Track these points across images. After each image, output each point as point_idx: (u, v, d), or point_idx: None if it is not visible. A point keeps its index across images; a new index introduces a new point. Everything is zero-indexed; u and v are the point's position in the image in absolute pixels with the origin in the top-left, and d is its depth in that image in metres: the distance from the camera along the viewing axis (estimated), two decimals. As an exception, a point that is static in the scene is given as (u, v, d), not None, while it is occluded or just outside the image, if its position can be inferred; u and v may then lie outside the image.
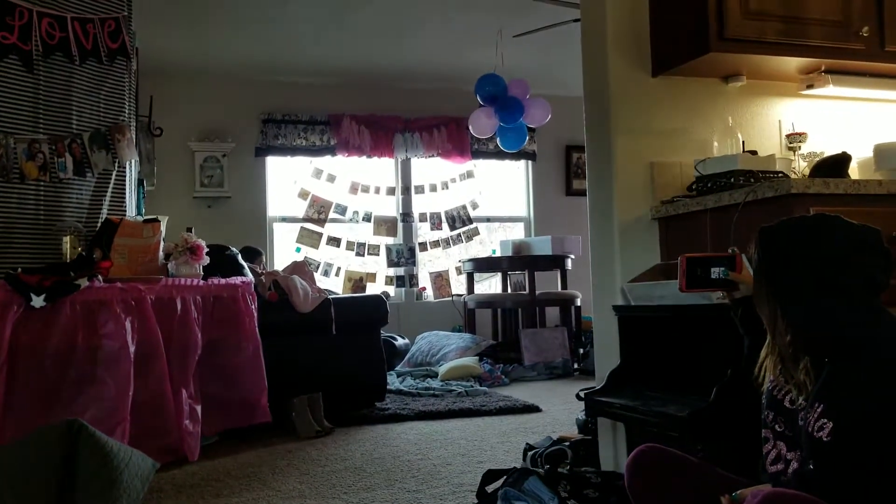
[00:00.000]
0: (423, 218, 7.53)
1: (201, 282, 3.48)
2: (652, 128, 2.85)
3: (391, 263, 7.39)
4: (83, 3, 3.71)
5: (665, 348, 2.43)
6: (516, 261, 6.81)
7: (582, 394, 2.56)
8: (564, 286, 6.86)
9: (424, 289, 7.49)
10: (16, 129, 3.47)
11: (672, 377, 2.35)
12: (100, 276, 3.11)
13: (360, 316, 4.39)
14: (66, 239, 3.40)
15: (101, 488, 2.31)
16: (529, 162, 7.80)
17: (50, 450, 2.32)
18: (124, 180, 3.86)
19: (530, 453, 2.95)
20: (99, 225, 3.60)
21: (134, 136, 3.98)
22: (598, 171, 2.93)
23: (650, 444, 1.74)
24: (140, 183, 4.55)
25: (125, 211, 3.84)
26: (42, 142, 3.53)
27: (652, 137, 2.85)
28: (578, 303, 6.71)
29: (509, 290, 7.19)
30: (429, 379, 5.56)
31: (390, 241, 7.43)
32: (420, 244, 7.52)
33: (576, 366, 6.17)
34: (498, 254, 7.29)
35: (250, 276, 3.87)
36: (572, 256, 6.75)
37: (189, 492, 2.86)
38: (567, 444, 2.91)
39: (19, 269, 3.05)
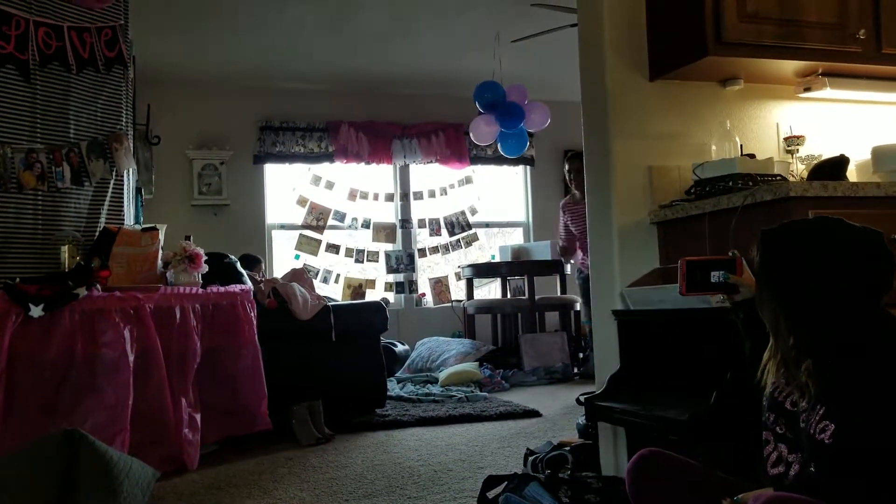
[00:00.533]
0: (421, 224, 7.53)
1: (200, 290, 3.47)
2: (650, 132, 2.85)
3: (390, 270, 7.38)
4: (80, 12, 3.71)
5: (665, 352, 2.42)
6: (515, 266, 6.80)
7: (582, 398, 2.56)
8: (564, 291, 6.85)
9: (424, 295, 7.48)
10: (13, 139, 3.47)
11: (672, 381, 2.35)
12: (98, 285, 3.11)
13: (360, 322, 4.39)
14: (65, 248, 3.39)
15: (101, 498, 2.30)
16: (528, 167, 7.80)
17: (50, 459, 2.31)
18: (122, 189, 3.86)
19: (531, 458, 2.95)
20: (97, 234, 3.60)
21: (131, 145, 3.98)
22: (596, 175, 2.93)
23: (651, 448, 1.74)
24: (138, 191, 4.55)
25: (123, 219, 3.83)
26: (39, 151, 3.53)
27: (650, 141, 2.85)
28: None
29: (509, 296, 7.18)
30: (429, 385, 5.55)
31: (389, 247, 7.43)
32: (419, 250, 7.51)
33: (576, 370, 6.16)
34: (497, 259, 7.30)
35: (249, 284, 3.87)
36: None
37: (189, 500, 2.85)
38: (568, 449, 2.91)
39: (17, 279, 3.05)
